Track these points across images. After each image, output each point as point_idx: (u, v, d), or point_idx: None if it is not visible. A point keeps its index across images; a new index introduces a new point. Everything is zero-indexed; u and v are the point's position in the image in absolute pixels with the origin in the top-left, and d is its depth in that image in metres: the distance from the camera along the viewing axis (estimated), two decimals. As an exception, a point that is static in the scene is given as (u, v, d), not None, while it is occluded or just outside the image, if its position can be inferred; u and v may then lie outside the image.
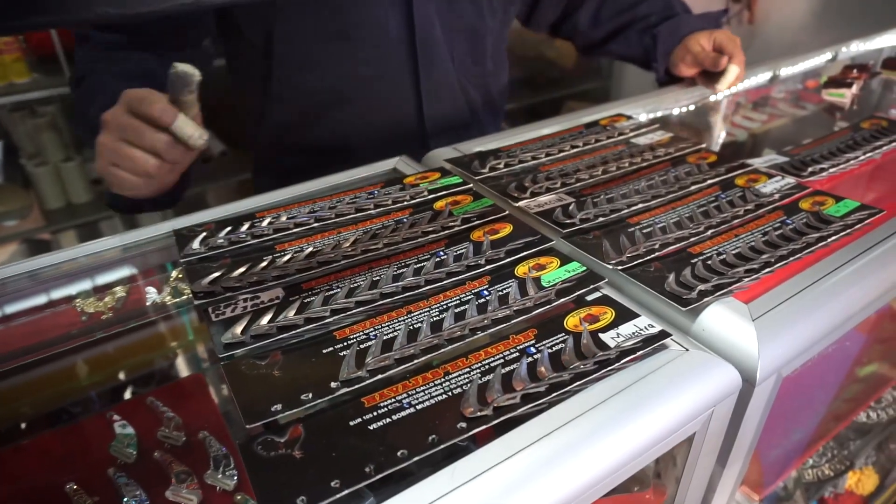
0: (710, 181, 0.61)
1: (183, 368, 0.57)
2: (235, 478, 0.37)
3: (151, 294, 0.50)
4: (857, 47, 1.12)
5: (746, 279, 0.47)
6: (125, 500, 0.41)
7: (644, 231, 0.53)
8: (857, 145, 0.69)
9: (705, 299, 0.45)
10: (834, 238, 0.52)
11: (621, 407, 0.36)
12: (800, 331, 0.44)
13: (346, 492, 0.31)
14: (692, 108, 0.95)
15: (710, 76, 0.91)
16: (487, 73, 0.90)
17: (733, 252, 0.50)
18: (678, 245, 0.51)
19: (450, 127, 0.86)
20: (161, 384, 0.57)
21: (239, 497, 0.37)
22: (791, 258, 0.49)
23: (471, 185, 0.60)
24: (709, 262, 0.49)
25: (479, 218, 0.54)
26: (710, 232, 0.53)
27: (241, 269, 0.48)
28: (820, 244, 0.51)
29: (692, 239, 0.52)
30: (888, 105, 1.05)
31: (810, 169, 0.63)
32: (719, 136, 0.98)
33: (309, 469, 0.32)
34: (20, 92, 1.46)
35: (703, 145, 0.69)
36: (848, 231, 0.53)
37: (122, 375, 0.57)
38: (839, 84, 0.87)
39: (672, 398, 0.38)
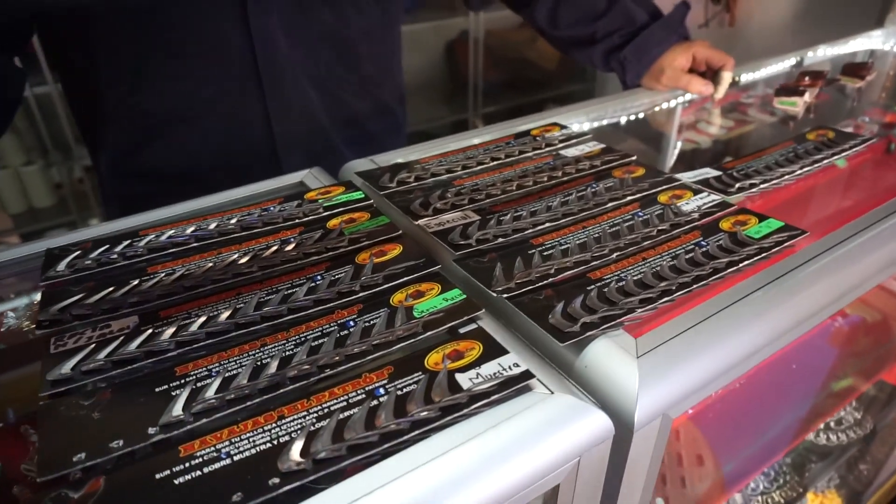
0: (629, 197, 0.58)
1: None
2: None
3: (9, 319, 0.47)
4: (824, 52, 1.08)
5: (640, 309, 0.43)
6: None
7: (544, 253, 0.49)
8: (798, 158, 0.65)
9: (588, 333, 0.41)
10: (746, 263, 0.48)
11: (462, 460, 0.33)
12: (689, 370, 0.40)
13: (122, 561, 0.28)
14: (645, 114, 0.91)
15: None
16: (368, 79, 0.84)
17: (635, 278, 0.46)
18: (577, 270, 0.48)
19: (308, 147, 0.80)
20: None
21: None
22: (694, 286, 0.45)
23: (371, 201, 0.56)
24: (605, 290, 0.45)
25: (369, 238, 0.51)
26: (615, 255, 0.49)
27: (99, 295, 0.45)
28: (730, 270, 0.47)
29: (594, 263, 0.48)
30: (860, 112, 1.01)
31: (738, 185, 0.59)
32: (675, 144, 0.94)
33: (90, 533, 0.29)
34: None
35: (633, 158, 0.65)
36: (763, 255, 0.49)
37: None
38: (791, 92, 0.83)
39: (526, 448, 0.34)
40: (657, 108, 0.92)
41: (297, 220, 0.54)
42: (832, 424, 0.94)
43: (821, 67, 0.96)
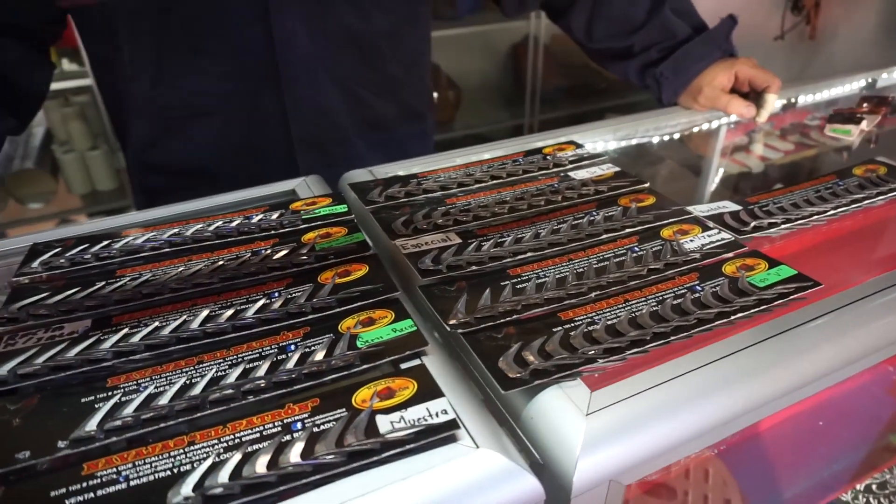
0: (629, 230, 0.53)
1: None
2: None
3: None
4: (900, 74, 0.97)
5: (603, 360, 0.39)
6: None
7: (517, 286, 0.46)
8: (835, 196, 0.59)
9: (538, 381, 0.38)
10: (739, 315, 0.43)
11: (360, 513, 0.31)
12: (646, 434, 0.36)
13: (-14, 583, 0.27)
14: (683, 135, 0.85)
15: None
16: (393, 78, 0.82)
17: (608, 322, 0.42)
18: (547, 308, 0.44)
19: (325, 149, 0.79)
20: None
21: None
22: (672, 337, 0.41)
23: (352, 216, 0.55)
24: (571, 333, 0.41)
25: (337, 255, 0.49)
26: (594, 294, 0.46)
27: (62, 295, 0.45)
28: (718, 322, 0.42)
29: (568, 301, 0.45)
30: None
31: (754, 223, 0.54)
32: (716, 168, 0.87)
33: (-32, 548, 0.29)
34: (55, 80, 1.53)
35: (646, 185, 0.60)
36: (762, 308, 0.44)
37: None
38: (846, 119, 0.75)
39: (435, 506, 0.31)
40: (696, 129, 0.85)
41: (272, 232, 0.53)
42: (874, 487, 0.85)
43: (888, 92, 0.87)
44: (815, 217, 0.55)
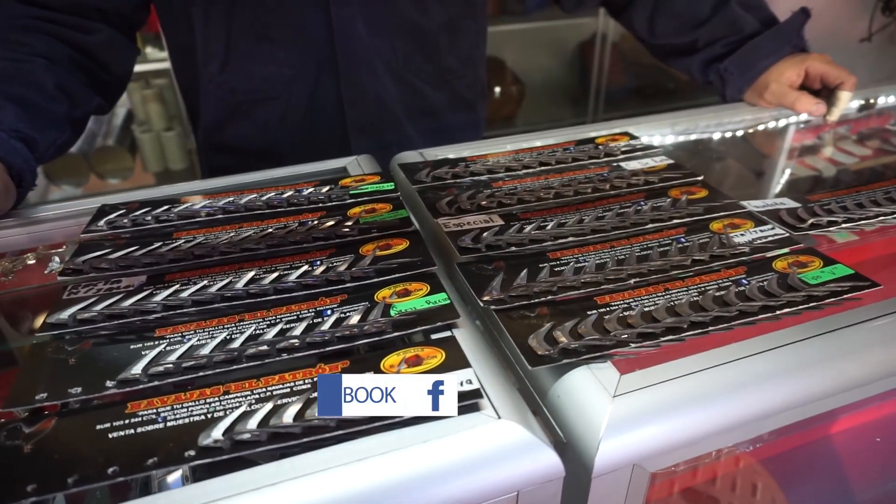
0: (677, 220, 0.52)
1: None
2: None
3: (53, 264, 0.52)
4: None
5: (636, 344, 0.39)
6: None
7: (555, 269, 0.46)
8: (906, 198, 0.55)
9: (566, 360, 0.37)
10: (786, 311, 0.41)
11: (381, 469, 0.31)
12: (674, 421, 0.35)
13: (33, 499, 0.30)
14: (746, 132, 0.82)
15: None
16: (448, 70, 0.83)
17: (645, 309, 0.42)
18: (583, 291, 0.44)
19: (379, 135, 0.80)
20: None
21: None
22: (710, 327, 0.40)
23: (398, 193, 0.55)
24: (606, 317, 0.41)
25: (380, 230, 0.50)
26: (633, 281, 0.45)
27: (121, 252, 0.48)
28: (762, 316, 0.41)
29: (606, 286, 0.44)
30: None
31: (812, 220, 0.51)
32: (783, 169, 0.84)
33: (17, 467, 0.31)
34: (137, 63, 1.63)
35: (699, 178, 0.59)
36: (811, 305, 0.42)
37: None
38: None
39: (451, 470, 0.32)
40: (762, 127, 0.82)
41: (320, 204, 0.54)
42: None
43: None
44: (881, 218, 0.52)
